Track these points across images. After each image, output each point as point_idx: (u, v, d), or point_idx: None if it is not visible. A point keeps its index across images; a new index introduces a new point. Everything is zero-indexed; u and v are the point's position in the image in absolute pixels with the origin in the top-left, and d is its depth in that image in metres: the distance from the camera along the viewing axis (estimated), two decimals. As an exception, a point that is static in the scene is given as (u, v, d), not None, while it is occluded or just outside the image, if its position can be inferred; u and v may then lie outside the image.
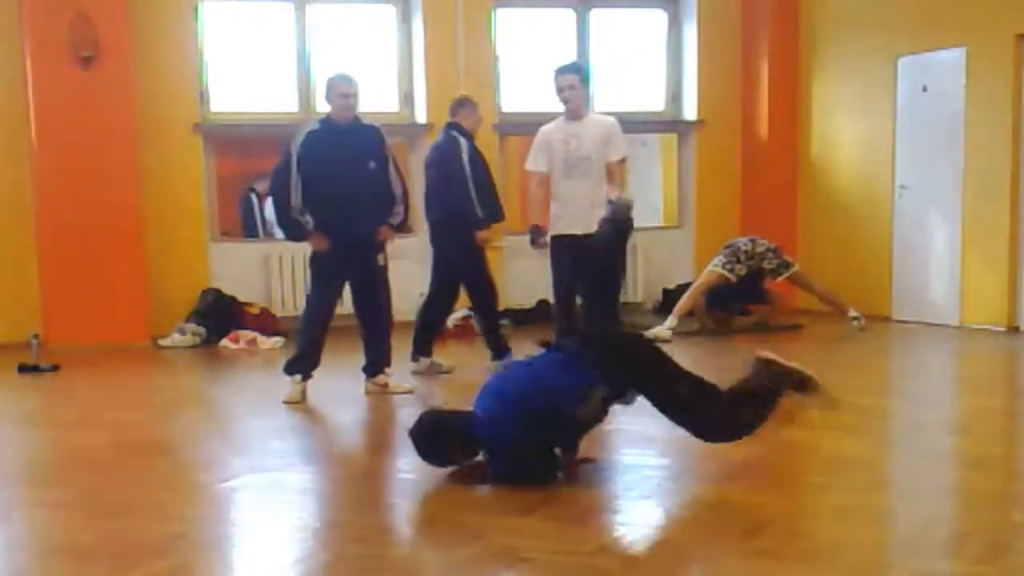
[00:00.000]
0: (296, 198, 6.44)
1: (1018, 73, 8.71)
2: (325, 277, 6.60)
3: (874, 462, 5.13)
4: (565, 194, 6.90)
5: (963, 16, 9.09)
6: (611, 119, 7.06)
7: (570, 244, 6.89)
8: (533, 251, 7.28)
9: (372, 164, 6.54)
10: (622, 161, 7.01)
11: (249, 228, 10.95)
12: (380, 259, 6.64)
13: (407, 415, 5.45)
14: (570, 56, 10.51)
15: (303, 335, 6.68)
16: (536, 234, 7.04)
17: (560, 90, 6.89)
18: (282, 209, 6.53)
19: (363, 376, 6.76)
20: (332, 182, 6.41)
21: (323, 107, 7.61)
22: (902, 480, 4.89)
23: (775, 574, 3.51)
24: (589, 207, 6.84)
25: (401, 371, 6.96)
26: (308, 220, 6.49)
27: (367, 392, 6.71)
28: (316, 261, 6.66)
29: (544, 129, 7.10)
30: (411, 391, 6.67)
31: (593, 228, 6.81)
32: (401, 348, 7.02)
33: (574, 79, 6.86)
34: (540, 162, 7.00)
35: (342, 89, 6.52)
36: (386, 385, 6.70)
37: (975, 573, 3.48)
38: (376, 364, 6.72)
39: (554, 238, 6.96)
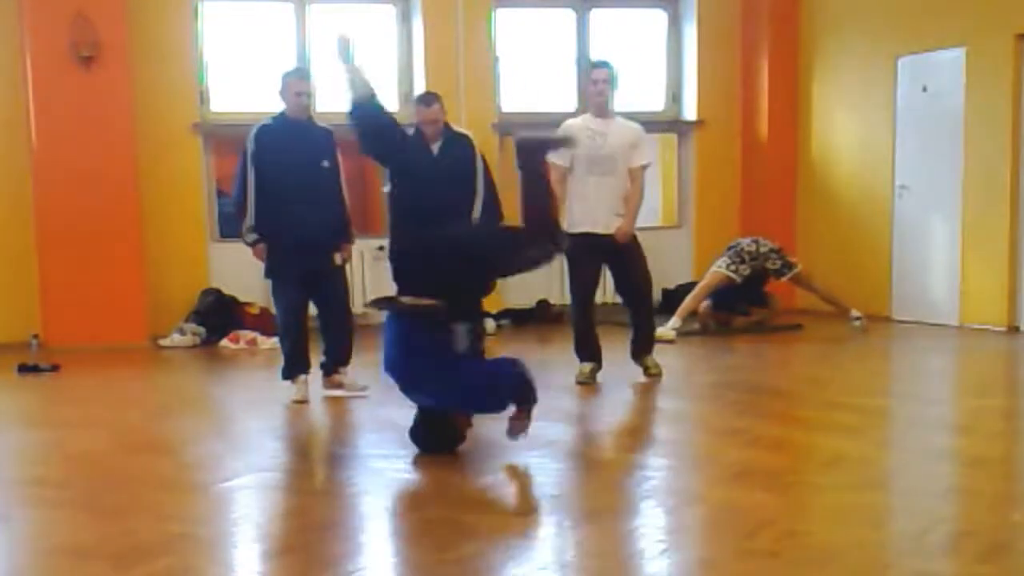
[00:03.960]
0: (250, 214, 6.41)
1: (1018, 73, 8.71)
2: (282, 278, 6.53)
3: (874, 462, 5.13)
4: (587, 191, 6.89)
5: (963, 16, 9.09)
6: (638, 125, 7.13)
7: (593, 243, 6.87)
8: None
9: (325, 163, 6.52)
10: (645, 167, 7.07)
11: None
12: (337, 258, 6.60)
13: (406, 415, 5.44)
14: (577, 56, 10.57)
15: (284, 341, 6.62)
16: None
17: (595, 82, 6.94)
18: (238, 221, 6.52)
19: (344, 374, 6.65)
20: (285, 178, 6.38)
21: (322, 108, 7.60)
22: (902, 480, 4.89)
23: (775, 574, 3.51)
24: (611, 206, 6.88)
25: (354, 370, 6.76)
26: (254, 237, 6.45)
27: (324, 389, 6.62)
28: (271, 267, 6.58)
29: (569, 123, 7.06)
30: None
31: (614, 228, 6.87)
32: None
33: (607, 74, 6.93)
34: (563, 156, 6.87)
35: (297, 87, 6.47)
36: (341, 384, 6.61)
37: (975, 573, 3.49)
38: (334, 363, 6.62)
39: (575, 236, 6.67)
